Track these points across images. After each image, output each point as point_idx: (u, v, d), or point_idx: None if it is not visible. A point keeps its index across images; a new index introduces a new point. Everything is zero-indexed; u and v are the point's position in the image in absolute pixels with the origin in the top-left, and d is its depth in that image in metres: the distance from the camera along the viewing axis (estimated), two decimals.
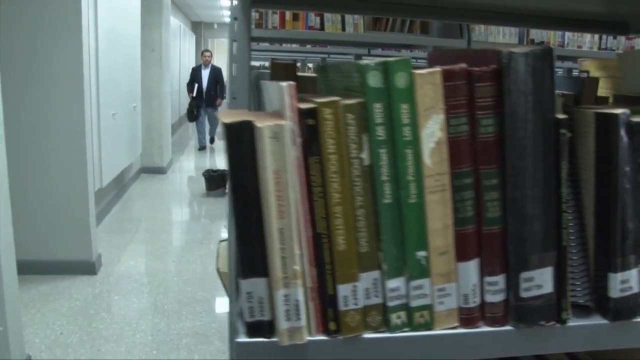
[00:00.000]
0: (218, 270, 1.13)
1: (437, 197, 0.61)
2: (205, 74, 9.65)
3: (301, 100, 0.58)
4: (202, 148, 10.22)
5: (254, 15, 2.21)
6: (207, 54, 9.82)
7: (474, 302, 0.65)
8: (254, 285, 0.55)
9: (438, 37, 2.30)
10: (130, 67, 6.24)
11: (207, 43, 16.96)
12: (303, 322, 0.56)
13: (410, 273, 0.61)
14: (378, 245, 0.60)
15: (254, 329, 0.57)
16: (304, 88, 1.03)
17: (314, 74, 1.02)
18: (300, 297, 0.56)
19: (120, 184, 6.36)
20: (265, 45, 3.87)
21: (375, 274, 0.60)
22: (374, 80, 0.58)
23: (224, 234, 5.33)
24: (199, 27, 16.64)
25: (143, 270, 4.30)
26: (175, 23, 10.58)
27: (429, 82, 0.60)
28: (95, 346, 3.11)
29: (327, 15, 2.42)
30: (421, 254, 0.61)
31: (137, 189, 7.01)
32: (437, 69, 0.61)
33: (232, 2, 0.86)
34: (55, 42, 3.73)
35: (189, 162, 9.47)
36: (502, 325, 0.66)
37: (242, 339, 0.56)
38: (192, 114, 9.62)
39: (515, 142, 0.62)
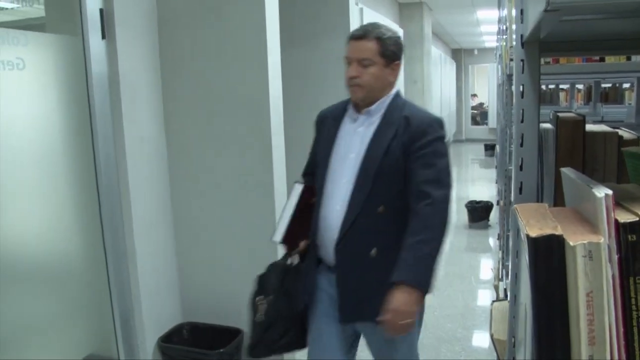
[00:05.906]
0: (492, 336, 1.00)
1: None
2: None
3: (617, 204, 0.47)
4: None
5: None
6: None
7: None
8: None
9: None
10: None
11: (467, 69, 16.80)
12: None
13: None
14: None
15: None
16: (592, 147, 0.86)
17: (603, 128, 0.86)
18: None
19: None
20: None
21: None
22: None
23: (488, 271, 5.08)
24: (458, 54, 16.59)
25: None
26: (435, 53, 10.57)
27: None
28: None
29: None
30: None
31: None
32: None
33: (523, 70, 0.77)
34: (323, 85, 4.02)
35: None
36: None
37: None
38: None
39: None
